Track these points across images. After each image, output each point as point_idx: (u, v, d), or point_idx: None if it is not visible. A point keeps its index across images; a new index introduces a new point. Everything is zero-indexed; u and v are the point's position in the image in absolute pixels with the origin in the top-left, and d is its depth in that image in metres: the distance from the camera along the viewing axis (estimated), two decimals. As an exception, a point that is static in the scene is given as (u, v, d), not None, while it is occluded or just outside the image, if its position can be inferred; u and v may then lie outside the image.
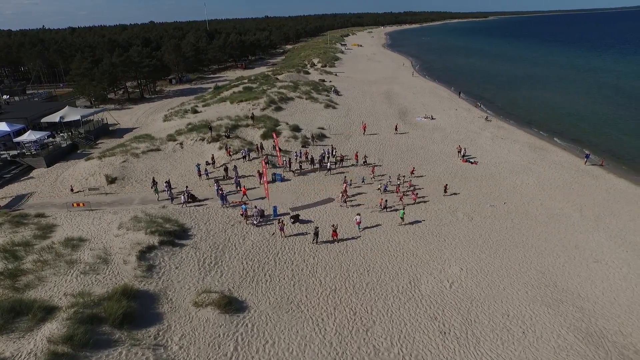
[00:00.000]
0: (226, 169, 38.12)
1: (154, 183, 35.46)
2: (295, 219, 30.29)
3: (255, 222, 29.68)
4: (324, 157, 41.19)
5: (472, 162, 41.91)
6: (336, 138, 50.07)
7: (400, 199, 33.18)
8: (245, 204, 31.41)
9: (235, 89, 74.04)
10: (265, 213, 31.00)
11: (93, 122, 54.46)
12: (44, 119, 51.08)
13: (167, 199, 33.80)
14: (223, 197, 32.78)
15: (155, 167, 40.91)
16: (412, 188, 35.78)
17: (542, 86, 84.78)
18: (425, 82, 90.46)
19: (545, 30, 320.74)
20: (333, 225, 27.86)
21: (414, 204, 32.89)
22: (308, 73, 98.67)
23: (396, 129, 53.22)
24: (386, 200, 32.25)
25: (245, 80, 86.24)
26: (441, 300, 22.00)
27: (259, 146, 42.26)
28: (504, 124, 57.88)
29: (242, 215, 30.30)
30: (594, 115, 61.28)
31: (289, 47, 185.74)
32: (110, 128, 59.18)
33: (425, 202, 33.68)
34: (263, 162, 35.30)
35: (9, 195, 36.26)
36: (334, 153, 43.15)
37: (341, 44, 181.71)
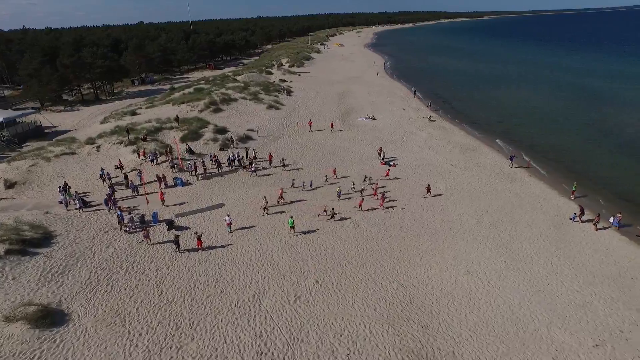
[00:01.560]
0: (126, 177, 36.52)
1: (66, 188, 33.54)
2: (170, 225, 28.91)
3: (128, 228, 28.32)
4: (232, 160, 39.84)
5: (390, 165, 40.51)
6: (263, 140, 48.78)
7: (360, 204, 31.16)
8: (122, 209, 30.00)
9: (188, 90, 72.81)
10: (147, 219, 29.69)
11: (21, 124, 53.09)
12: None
13: (66, 204, 32.17)
14: (106, 202, 31.43)
15: (65, 171, 39.44)
16: (380, 193, 33.46)
17: (505, 85, 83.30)
18: (388, 82, 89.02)
19: (534, 29, 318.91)
20: (196, 233, 26.50)
21: (382, 209, 31.42)
22: (270, 73, 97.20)
23: (332, 127, 52.47)
24: (332, 209, 29.80)
25: (202, 82, 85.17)
26: (278, 316, 20.59)
27: (167, 150, 40.82)
28: (447, 124, 56.45)
29: (118, 222, 28.94)
30: (543, 115, 59.78)
31: (269, 47, 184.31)
32: (46, 130, 57.96)
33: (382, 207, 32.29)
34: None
35: None
36: (255, 155, 41.85)
37: (321, 44, 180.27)
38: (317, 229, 28.76)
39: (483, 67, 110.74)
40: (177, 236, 26.24)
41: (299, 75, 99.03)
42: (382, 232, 28.19)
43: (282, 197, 32.74)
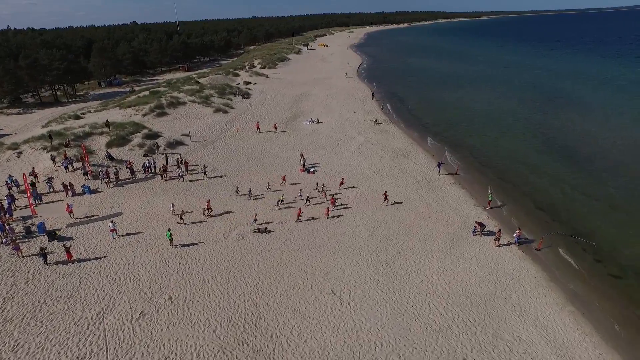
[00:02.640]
0: (33, 184, 35.59)
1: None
2: (51, 236, 28.11)
3: (3, 240, 27.52)
4: (148, 167, 39.07)
5: (310, 172, 39.63)
6: (195, 145, 48.01)
7: (299, 214, 30.18)
8: (2, 220, 29.18)
9: (144, 93, 72.13)
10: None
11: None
12: None
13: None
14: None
15: None
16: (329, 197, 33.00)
17: (473, 86, 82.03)
18: (352, 84, 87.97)
19: (527, 29, 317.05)
20: (64, 245, 25.70)
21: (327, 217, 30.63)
22: (237, 75, 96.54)
23: (275, 128, 53.48)
24: (255, 220, 29.56)
25: (164, 84, 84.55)
26: (113, 335, 19.74)
27: (82, 156, 39.98)
28: (393, 127, 55.38)
29: (-2, 232, 28.15)
30: (498, 118, 58.49)
31: (251, 47, 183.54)
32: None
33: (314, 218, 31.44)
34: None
35: None
36: (184, 161, 41.11)
37: (303, 45, 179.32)
38: (202, 242, 27.90)
39: (458, 68, 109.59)
40: (43, 249, 25.41)
41: (266, 77, 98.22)
42: (264, 245, 27.29)
43: (209, 208, 31.28)
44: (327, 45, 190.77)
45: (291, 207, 32.30)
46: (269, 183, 36.41)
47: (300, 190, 34.43)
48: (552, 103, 65.33)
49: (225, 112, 63.27)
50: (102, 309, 21.56)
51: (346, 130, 53.29)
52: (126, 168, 38.75)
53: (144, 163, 39.53)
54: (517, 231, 26.67)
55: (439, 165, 39.16)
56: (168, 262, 25.61)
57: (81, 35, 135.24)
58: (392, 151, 45.33)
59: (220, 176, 39.73)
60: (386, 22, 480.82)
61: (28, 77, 74.72)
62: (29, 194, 30.69)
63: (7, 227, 28.05)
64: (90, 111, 62.52)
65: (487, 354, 18.39)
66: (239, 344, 19.15)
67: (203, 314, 21.10)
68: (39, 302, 22.10)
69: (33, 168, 38.94)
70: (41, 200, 34.31)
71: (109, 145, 44.12)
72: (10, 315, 21.09)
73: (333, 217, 30.83)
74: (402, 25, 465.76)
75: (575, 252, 26.12)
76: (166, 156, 42.26)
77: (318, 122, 57.13)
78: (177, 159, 41.85)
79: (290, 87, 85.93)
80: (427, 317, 20.62)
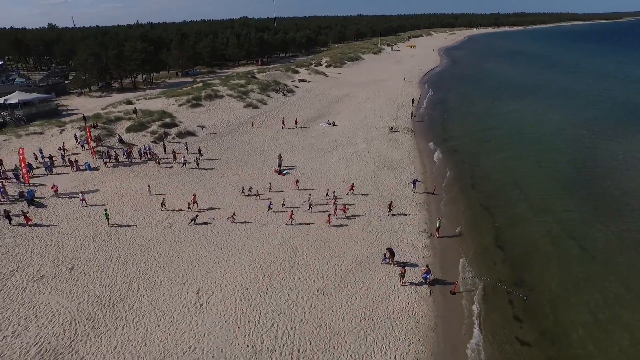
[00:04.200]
0: (50, 157, 41.99)
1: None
2: (30, 202, 33.16)
3: (-5, 200, 33.34)
4: (144, 152, 43.35)
5: (282, 174, 40.06)
6: (205, 136, 51.55)
7: (290, 216, 30.18)
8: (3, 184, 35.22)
9: (198, 85, 78.89)
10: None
11: (37, 105, 63.45)
12: (-10, 101, 61.30)
13: None
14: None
15: (24, 146, 46.65)
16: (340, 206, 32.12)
17: (536, 98, 72.52)
18: (405, 88, 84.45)
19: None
20: (22, 210, 30.24)
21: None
22: (297, 72, 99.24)
23: (283, 125, 55.88)
24: (233, 216, 30.41)
25: (223, 77, 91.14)
26: None
27: (97, 137, 45.77)
28: (407, 137, 52.37)
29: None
30: (536, 138, 51.29)
31: (336, 45, 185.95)
32: (64, 112, 68.25)
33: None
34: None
35: None
36: (187, 150, 45.16)
37: (388, 45, 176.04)
38: (135, 225, 30.38)
39: (539, 78, 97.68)
40: (7, 212, 30.29)
41: (325, 75, 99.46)
42: (182, 237, 28.67)
43: (195, 202, 32.45)
44: (414, 47, 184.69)
45: (285, 212, 31.66)
46: (270, 184, 36.55)
47: (310, 194, 34.01)
48: (622, 129, 54.73)
49: (256, 107, 66.20)
50: (18, 267, 25.18)
51: (354, 135, 52.13)
52: (123, 152, 43.37)
53: (140, 149, 43.87)
54: (424, 268, 24.02)
55: (413, 183, 36.49)
56: (95, 237, 28.62)
57: (177, 29, 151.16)
58: (382, 162, 43.19)
59: (211, 169, 42.00)
60: (497, 24, 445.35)
61: (114, 66, 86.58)
62: (23, 166, 36.37)
63: (2, 191, 33.77)
64: (145, 98, 70.36)
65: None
66: (87, 319, 20.96)
67: (83, 287, 23.38)
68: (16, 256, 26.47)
69: (63, 143, 45.91)
70: (51, 171, 40.40)
71: (128, 129, 49.72)
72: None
73: (248, 222, 31.00)
74: (515, 28, 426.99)
75: (497, 304, 22.47)
76: (164, 144, 46.19)
77: (334, 125, 56.78)
78: (184, 147, 45.53)
79: (340, 87, 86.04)
80: (258, 336, 19.66)
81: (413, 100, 70.09)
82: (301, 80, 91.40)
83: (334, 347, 19.06)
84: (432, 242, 28.35)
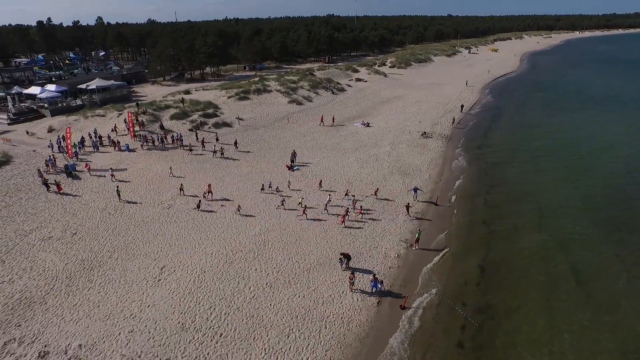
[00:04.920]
0: (101, 137, 47.76)
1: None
2: (69, 174, 38.23)
3: (46, 169, 38.97)
4: (176, 139, 47.28)
5: (292, 169, 41.03)
6: (240, 128, 54.55)
7: (303, 211, 30.96)
8: (54, 157, 40.95)
9: (255, 79, 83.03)
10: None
11: (111, 91, 71.75)
12: (79, 86, 70.59)
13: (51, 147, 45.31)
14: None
15: (87, 127, 53.24)
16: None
17: (609, 109, 64.82)
18: (462, 93, 79.93)
19: None
20: (55, 180, 35.04)
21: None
22: (356, 71, 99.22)
23: (333, 121, 57.79)
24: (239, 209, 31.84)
25: (283, 72, 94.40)
26: None
27: (141, 122, 50.77)
28: (438, 143, 49.81)
29: (45, 163, 39.85)
30: (584, 153, 46.02)
31: (411, 46, 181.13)
32: (134, 98, 76.32)
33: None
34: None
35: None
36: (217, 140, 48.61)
37: (466, 48, 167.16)
38: (140, 203, 33.64)
39: (621, 87, 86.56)
40: (46, 180, 35.38)
41: (385, 76, 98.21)
42: (177, 218, 31.09)
43: (210, 191, 34.08)
44: (496, 50, 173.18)
45: (296, 209, 32.05)
46: (289, 182, 36.99)
47: (330, 195, 33.86)
48: None
49: (300, 104, 67.91)
50: (36, 227, 29.53)
51: (382, 138, 51.22)
52: (159, 137, 47.61)
53: (172, 135, 47.82)
54: (371, 277, 23.40)
55: (414, 190, 35.24)
56: (104, 210, 32.31)
57: (254, 25, 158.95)
58: (397, 167, 41.92)
59: (234, 159, 44.45)
60: (608, 26, 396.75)
61: (185, 58, 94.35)
62: (69, 142, 41.82)
63: (51, 162, 39.41)
64: (203, 89, 75.72)
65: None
66: (67, 278, 24.05)
67: (75, 250, 26.74)
68: (17, 211, 31.57)
69: (115, 125, 51.74)
70: (98, 149, 45.96)
71: (172, 117, 54.33)
72: (3, 214, 30.99)
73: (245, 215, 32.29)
74: (631, 31, 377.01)
75: (445, 326, 21.12)
76: (196, 133, 49.70)
77: (367, 126, 56.33)
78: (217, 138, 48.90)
79: (394, 88, 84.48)
80: (192, 316, 20.86)
81: (462, 106, 66.47)
82: (358, 80, 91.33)
83: (254, 338, 19.70)
84: (407, 253, 27.37)
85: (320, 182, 36.69)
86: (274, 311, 21.47)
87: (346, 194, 34.59)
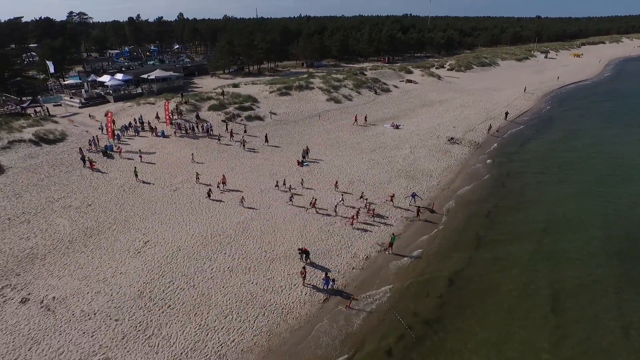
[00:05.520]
0: (148, 123, 52.84)
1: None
2: (104, 153, 43.12)
3: (89, 149, 44.36)
4: (206, 129, 50.78)
5: (302, 165, 42.17)
6: (270, 122, 56.94)
7: (314, 205, 32.07)
8: (97, 138, 46.30)
9: (304, 76, 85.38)
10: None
11: (168, 82, 78.30)
12: (141, 75, 78.10)
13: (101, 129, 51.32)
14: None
15: (136, 112, 58.91)
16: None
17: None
18: (515, 100, 74.68)
19: None
20: (90, 158, 39.78)
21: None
22: (410, 72, 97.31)
23: (365, 121, 58.01)
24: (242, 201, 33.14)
25: (334, 70, 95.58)
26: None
27: (177, 111, 55.07)
28: (463, 150, 47.43)
29: (89, 142, 45.33)
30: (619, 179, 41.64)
31: (482, 48, 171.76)
32: (189, 88, 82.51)
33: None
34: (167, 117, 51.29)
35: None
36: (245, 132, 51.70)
37: (542, 52, 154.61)
38: (152, 184, 37.11)
39: None
40: (83, 156, 40.41)
41: (439, 78, 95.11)
42: (179, 199, 34.00)
43: (224, 182, 35.92)
44: (580, 55, 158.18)
45: (304, 207, 32.81)
46: (302, 180, 37.52)
47: (342, 194, 34.61)
48: None
49: (338, 102, 68.67)
50: (63, 196, 34.09)
51: (406, 141, 50.23)
52: (190, 126, 51.37)
53: (203, 125, 51.32)
54: (324, 275, 23.77)
55: (412, 196, 34.63)
56: (121, 187, 36.19)
57: (320, 24, 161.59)
58: (406, 170, 40.94)
59: (253, 151, 46.87)
60: None
61: (243, 54, 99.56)
62: (109, 125, 46.87)
63: (94, 142, 44.77)
64: (253, 83, 79.48)
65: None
66: (69, 241, 27.67)
67: (85, 219, 30.52)
68: (54, 181, 36.61)
69: (157, 112, 56.70)
70: (138, 133, 50.95)
71: (210, 108, 58.15)
72: (44, 182, 36.28)
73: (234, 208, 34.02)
74: None
75: (383, 334, 20.87)
76: (226, 124, 52.78)
77: (396, 128, 55.58)
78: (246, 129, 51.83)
79: (443, 92, 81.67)
80: (152, 286, 23.15)
81: (507, 114, 62.56)
82: (408, 81, 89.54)
83: (195, 314, 21.37)
84: (378, 256, 27.29)
85: (336, 183, 36.58)
86: (224, 293, 22.97)
87: (361, 197, 34.46)
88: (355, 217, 30.54)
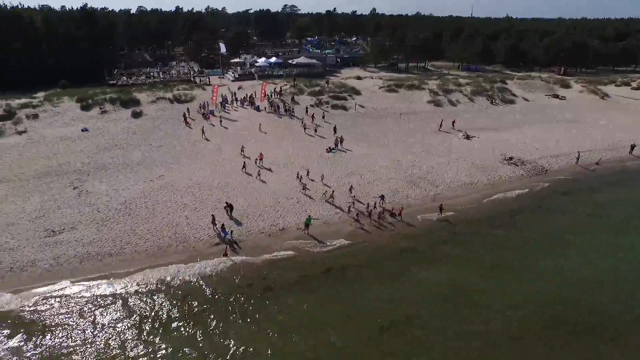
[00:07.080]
0: (249, 97, 65.21)
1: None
2: (204, 115, 57.07)
3: (202, 111, 59.24)
4: (287, 110, 59.64)
5: (329, 150, 46.20)
6: (354, 114, 61.46)
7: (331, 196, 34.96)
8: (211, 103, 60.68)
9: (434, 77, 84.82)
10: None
11: (309, 67, 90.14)
12: (289, 60, 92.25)
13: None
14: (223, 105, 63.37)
15: (257, 89, 72.56)
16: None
17: None
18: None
19: None
20: (190, 116, 53.96)
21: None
22: (568, 87, 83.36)
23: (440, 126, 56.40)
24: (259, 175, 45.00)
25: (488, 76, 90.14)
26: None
27: (280, 91, 65.14)
28: (509, 172, 42.56)
29: (200, 106, 60.15)
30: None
31: None
32: (330, 75, 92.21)
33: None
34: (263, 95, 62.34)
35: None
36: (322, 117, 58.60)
37: None
38: (209, 141, 48.30)
39: None
40: (185, 116, 54.92)
41: (603, 97, 78.38)
42: (191, 152, 44.18)
43: (261, 159, 41.21)
44: None
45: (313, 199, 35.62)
46: (322, 175, 39.10)
47: (353, 192, 36.39)
48: None
49: (439, 105, 67.11)
50: (154, 140, 48.51)
51: (458, 151, 47.24)
52: (277, 106, 60.79)
53: (286, 107, 60.08)
54: (221, 225, 29.26)
55: (381, 197, 35.35)
56: (188, 139, 48.67)
57: (506, 26, 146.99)
58: (418, 177, 39.96)
59: (322, 137, 52.88)
60: None
61: (394, 50, 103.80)
62: (214, 95, 60.29)
63: (203, 106, 59.33)
64: (381, 78, 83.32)
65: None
66: (124, 166, 41.18)
67: (145, 155, 43.67)
68: (161, 127, 52.07)
69: (254, 92, 67.86)
70: (243, 105, 63.70)
71: (309, 94, 66.31)
72: (153, 127, 52.44)
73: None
74: None
75: (230, 287, 25.80)
76: (307, 108, 60.06)
77: (467, 138, 52.38)
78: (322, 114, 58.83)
79: (588, 112, 67.96)
80: (128, 210, 32.74)
81: (633, 147, 49.75)
82: (554, 96, 77.59)
83: (140, 221, 30.82)
84: (295, 232, 30.74)
85: (351, 187, 36.77)
86: (163, 215, 31.69)
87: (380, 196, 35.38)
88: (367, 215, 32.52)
